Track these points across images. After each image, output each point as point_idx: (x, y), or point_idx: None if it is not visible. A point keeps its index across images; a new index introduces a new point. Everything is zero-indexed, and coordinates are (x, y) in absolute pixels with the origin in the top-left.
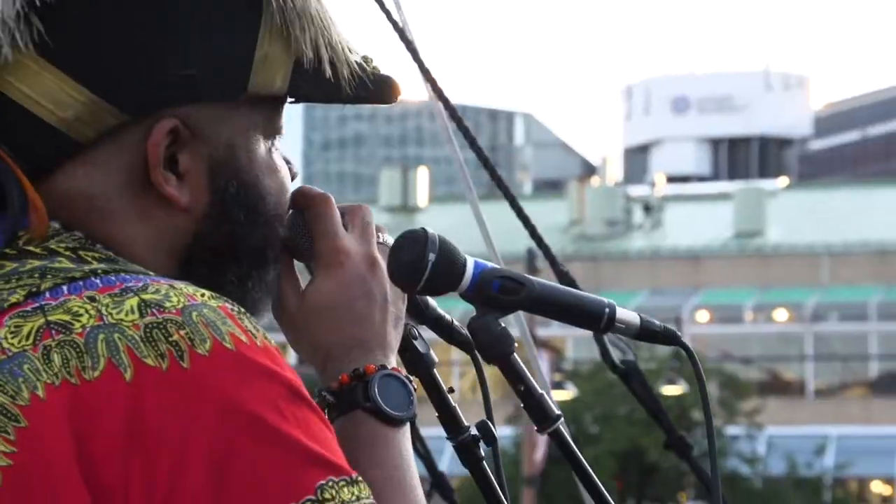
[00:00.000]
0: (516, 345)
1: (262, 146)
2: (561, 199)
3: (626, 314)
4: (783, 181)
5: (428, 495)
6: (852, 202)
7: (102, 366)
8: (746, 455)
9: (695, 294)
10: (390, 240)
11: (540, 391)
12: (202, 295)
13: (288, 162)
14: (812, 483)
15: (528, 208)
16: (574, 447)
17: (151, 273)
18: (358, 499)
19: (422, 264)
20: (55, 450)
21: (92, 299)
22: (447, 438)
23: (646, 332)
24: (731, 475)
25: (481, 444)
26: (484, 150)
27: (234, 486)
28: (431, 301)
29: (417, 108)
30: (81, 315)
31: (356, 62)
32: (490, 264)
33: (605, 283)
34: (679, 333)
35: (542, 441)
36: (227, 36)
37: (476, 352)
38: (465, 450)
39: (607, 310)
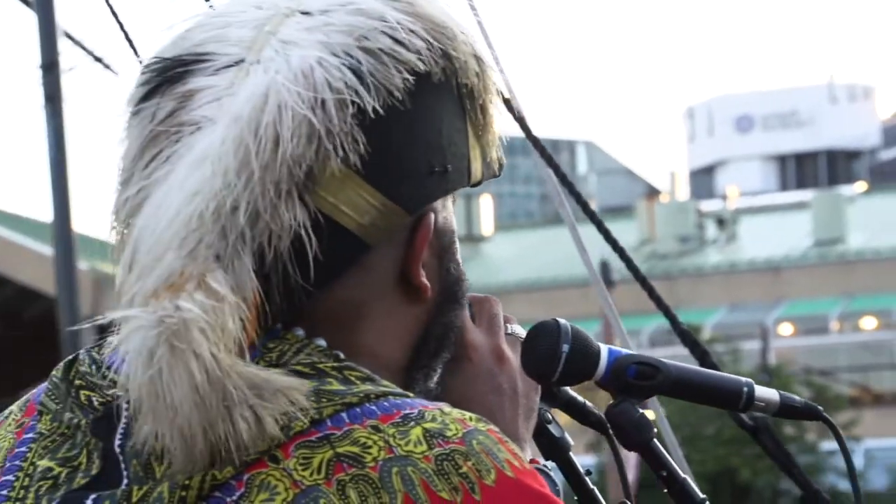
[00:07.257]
0: (656, 430)
1: None
2: (629, 220)
3: (765, 392)
4: (861, 186)
5: None
6: None
7: (400, 501)
8: (844, 470)
9: (776, 307)
10: (519, 329)
11: (682, 475)
12: (470, 419)
13: None
14: None
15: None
16: None
17: (410, 395)
18: None
19: (556, 356)
20: None
21: (376, 429)
22: None
23: (786, 409)
24: (829, 491)
25: None
26: (557, 181)
27: None
28: None
29: None
30: (371, 447)
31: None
32: (624, 351)
33: (681, 300)
34: (820, 408)
35: (633, 466)
36: (459, 134)
37: (610, 431)
38: None
39: (745, 389)
